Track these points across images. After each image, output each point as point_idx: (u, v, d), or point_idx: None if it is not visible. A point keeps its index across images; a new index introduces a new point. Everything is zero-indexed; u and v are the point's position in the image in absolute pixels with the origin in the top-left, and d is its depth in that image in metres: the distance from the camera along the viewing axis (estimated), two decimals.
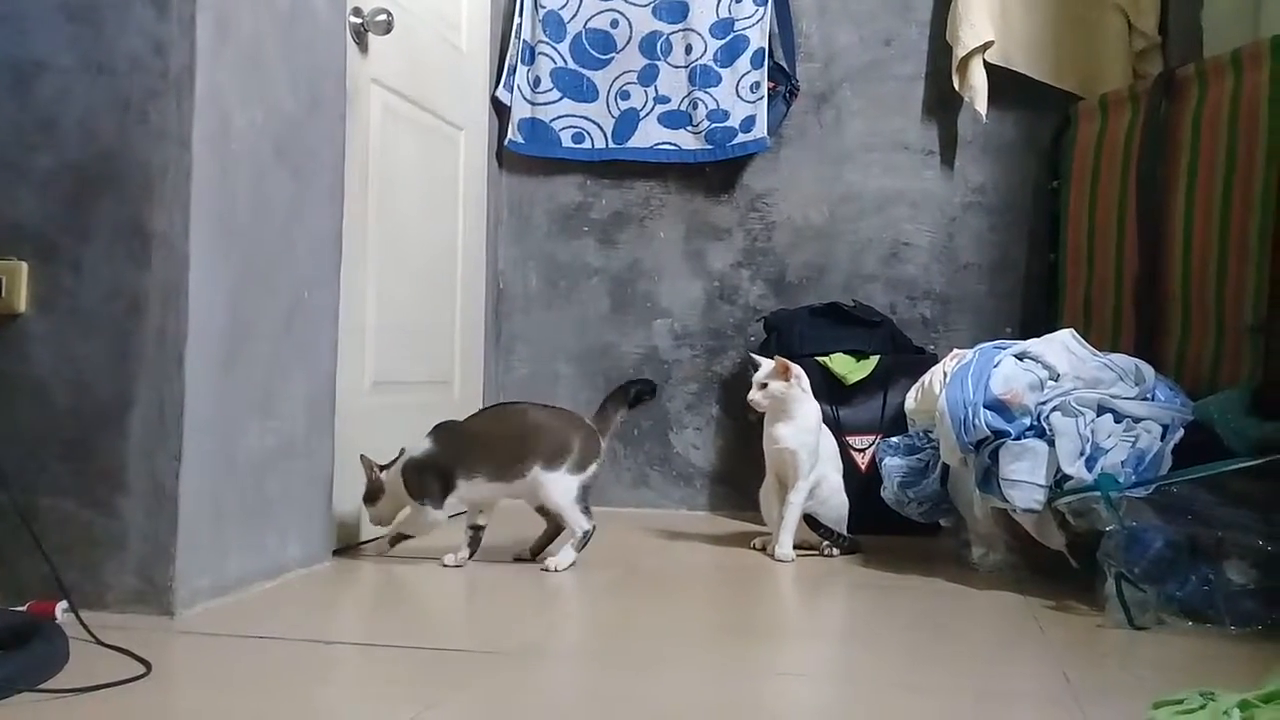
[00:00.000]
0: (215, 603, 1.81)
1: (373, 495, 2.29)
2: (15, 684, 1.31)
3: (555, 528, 2.32)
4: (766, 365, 2.40)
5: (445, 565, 2.23)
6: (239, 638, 1.64)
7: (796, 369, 2.38)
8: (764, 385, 2.37)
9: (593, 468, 2.26)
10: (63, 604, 1.64)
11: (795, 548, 2.37)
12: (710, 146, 3.16)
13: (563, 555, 2.21)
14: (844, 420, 2.74)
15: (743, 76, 3.12)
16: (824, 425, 2.46)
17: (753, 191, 3.21)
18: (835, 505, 2.45)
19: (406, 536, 2.32)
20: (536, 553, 2.34)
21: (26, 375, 1.76)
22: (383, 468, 2.29)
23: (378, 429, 2.43)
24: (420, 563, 2.27)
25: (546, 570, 2.18)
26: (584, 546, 2.23)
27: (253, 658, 1.55)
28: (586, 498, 2.25)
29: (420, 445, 2.29)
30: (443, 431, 2.30)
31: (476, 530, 2.29)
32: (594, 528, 2.24)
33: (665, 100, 3.18)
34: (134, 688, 1.36)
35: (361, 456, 2.28)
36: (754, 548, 2.48)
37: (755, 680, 1.52)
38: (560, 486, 2.22)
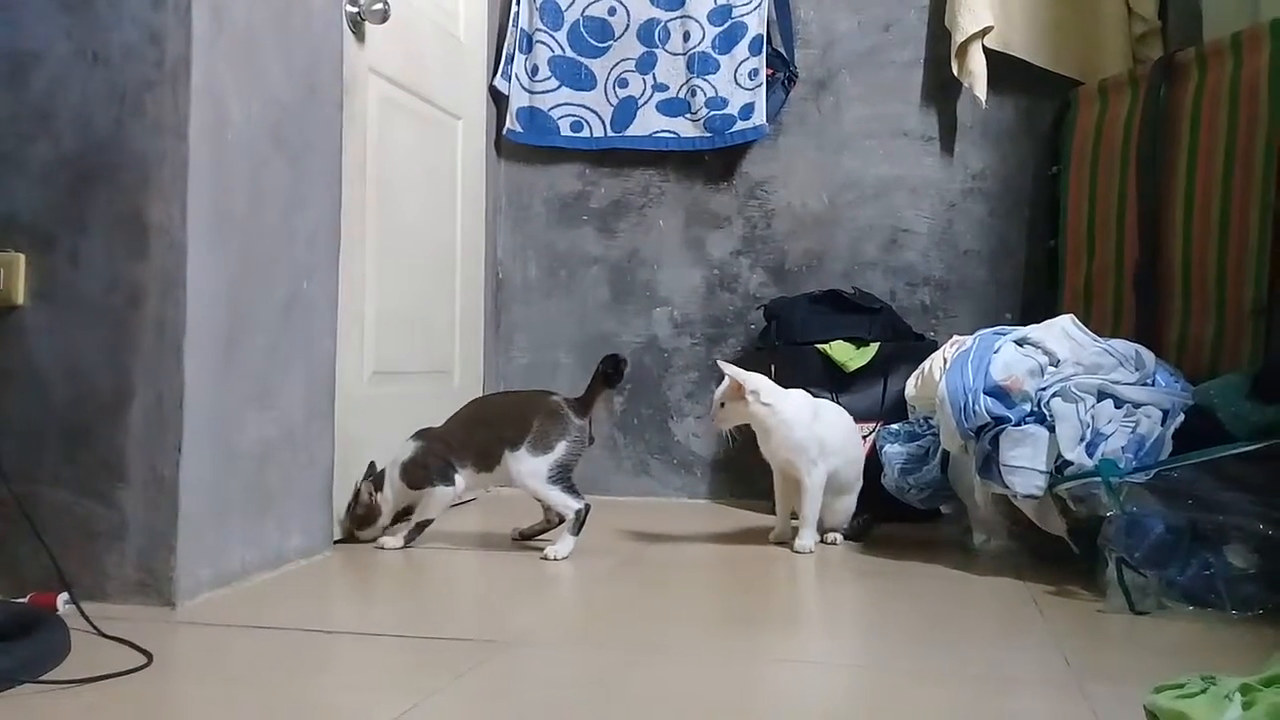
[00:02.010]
0: (216, 593, 1.81)
1: (369, 519, 2.30)
2: (17, 675, 1.31)
3: (550, 517, 2.33)
4: (725, 383, 2.30)
5: (384, 548, 2.28)
6: (240, 628, 1.65)
7: (752, 384, 2.27)
8: (722, 405, 2.30)
9: (561, 445, 2.22)
10: (64, 595, 1.65)
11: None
12: (709, 134, 3.15)
13: (561, 544, 2.21)
14: (844, 407, 2.73)
15: (741, 63, 3.11)
16: (832, 413, 2.39)
17: (752, 179, 3.20)
18: (841, 500, 2.40)
19: (426, 524, 2.31)
20: (527, 536, 2.37)
21: (25, 367, 1.76)
22: (375, 489, 2.31)
23: (378, 419, 2.43)
24: (419, 552, 2.28)
25: (546, 559, 2.18)
26: (580, 529, 2.22)
27: (254, 648, 1.56)
28: (565, 478, 2.22)
29: (407, 447, 2.32)
30: (424, 433, 2.34)
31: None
32: (586, 506, 2.22)
33: (664, 88, 3.18)
34: (135, 678, 1.36)
35: (359, 489, 2.30)
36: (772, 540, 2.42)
37: (755, 667, 1.52)
38: (525, 467, 2.22)
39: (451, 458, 2.28)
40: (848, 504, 2.40)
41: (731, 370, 2.28)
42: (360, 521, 2.30)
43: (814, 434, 2.30)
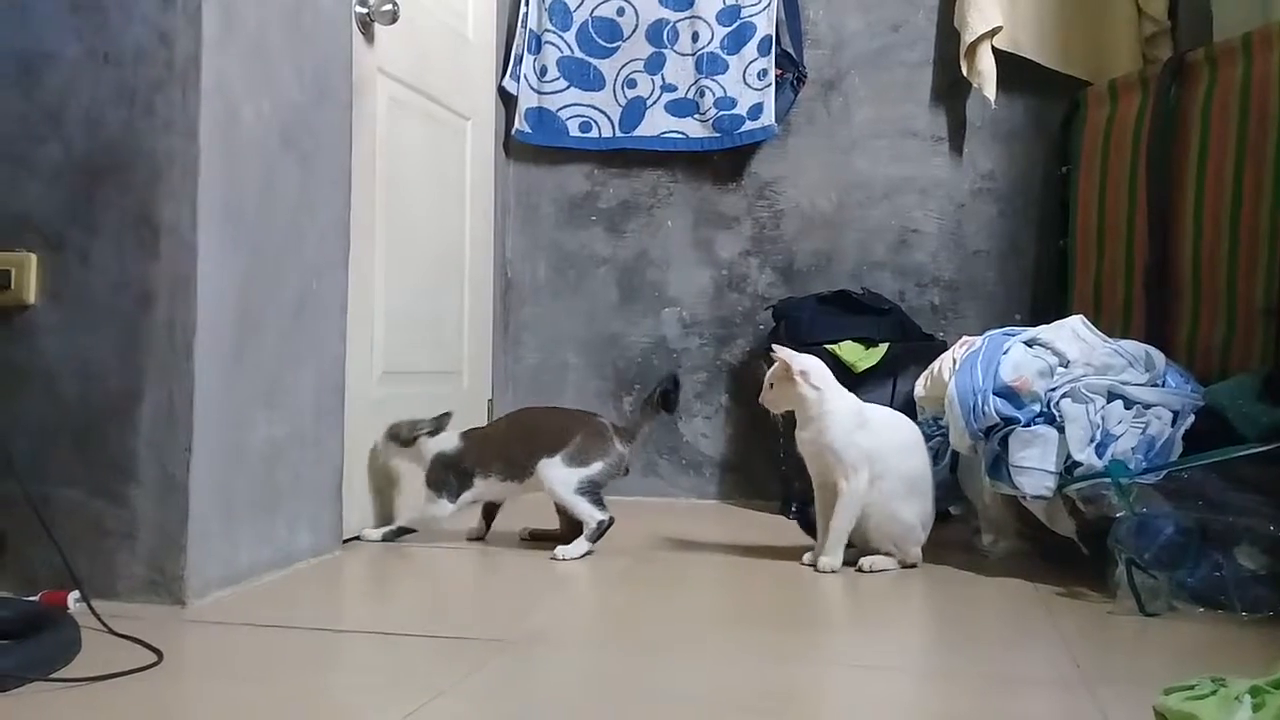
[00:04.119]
0: (226, 592, 1.82)
1: (406, 440, 2.34)
2: (28, 673, 1.31)
3: (567, 527, 2.33)
4: (776, 364, 2.17)
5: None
6: (250, 626, 1.65)
7: (802, 365, 2.14)
8: (771, 385, 2.19)
9: (598, 464, 2.27)
10: (74, 594, 1.65)
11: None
12: (718, 134, 3.15)
13: (574, 547, 2.21)
14: None
15: (750, 64, 3.11)
16: (884, 421, 2.22)
17: (761, 179, 3.20)
18: (880, 518, 2.15)
19: (408, 531, 2.36)
20: (538, 537, 2.38)
21: (36, 366, 1.77)
22: (430, 433, 2.36)
23: (387, 419, 2.44)
24: (429, 550, 2.28)
25: (555, 559, 2.18)
26: (599, 538, 2.24)
27: (263, 647, 1.56)
28: (594, 491, 2.26)
29: (451, 441, 2.36)
30: (470, 434, 2.40)
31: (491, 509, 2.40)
32: (610, 519, 2.25)
33: (672, 88, 3.18)
34: (145, 677, 1.37)
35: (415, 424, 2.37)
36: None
37: (764, 667, 1.52)
38: (557, 475, 2.26)
39: (477, 469, 2.32)
40: (897, 528, 2.15)
41: (784, 351, 2.16)
42: (401, 438, 2.34)
43: (854, 440, 2.13)
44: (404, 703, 1.29)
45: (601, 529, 2.23)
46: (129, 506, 1.74)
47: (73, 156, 1.76)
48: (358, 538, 2.32)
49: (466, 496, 2.33)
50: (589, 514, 2.24)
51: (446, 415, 2.40)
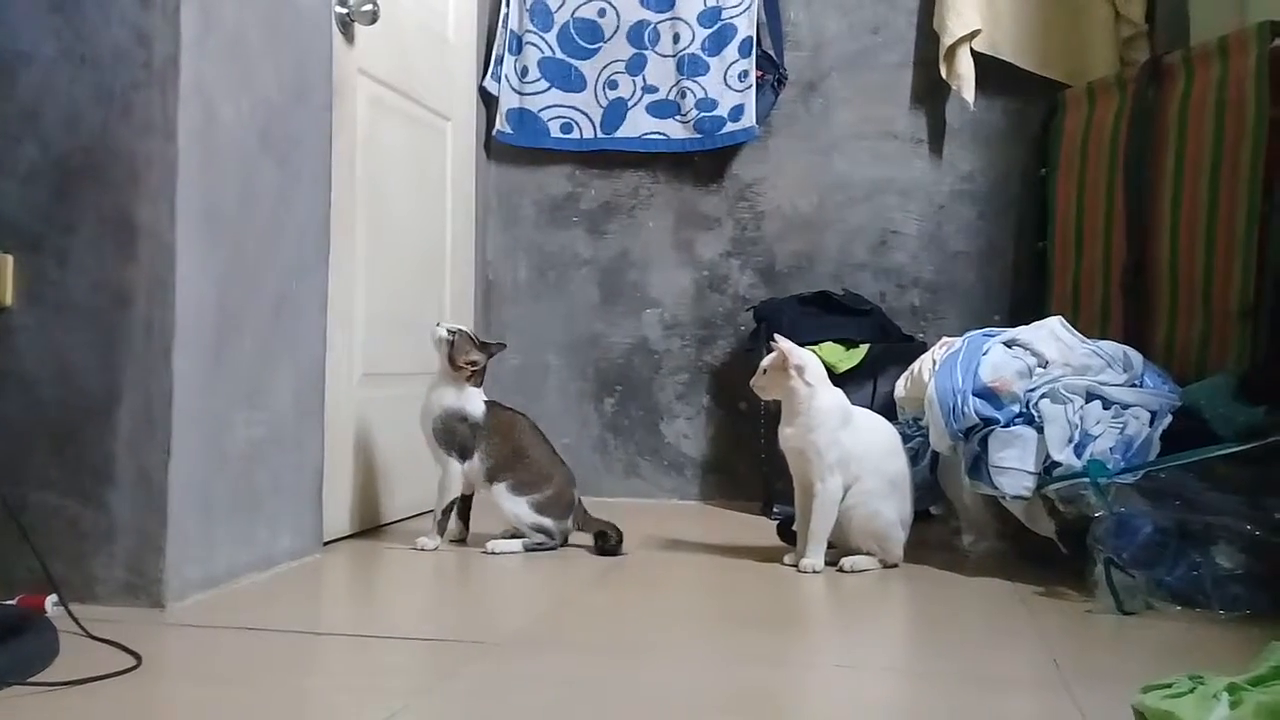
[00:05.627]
0: (205, 595, 1.81)
1: (457, 364, 2.32)
2: (5, 677, 1.30)
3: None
4: (774, 353, 2.19)
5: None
6: (229, 629, 1.64)
7: (798, 358, 2.15)
8: (764, 371, 2.21)
9: (549, 520, 2.32)
10: (52, 597, 1.64)
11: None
12: (699, 136, 3.16)
13: (509, 543, 2.29)
14: None
15: (731, 65, 3.12)
16: (866, 422, 2.23)
17: (742, 181, 3.21)
18: (862, 518, 2.15)
19: (449, 509, 2.35)
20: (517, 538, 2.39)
21: (13, 368, 1.75)
22: (489, 354, 2.38)
23: (368, 420, 2.43)
24: (409, 553, 2.27)
25: (485, 552, 2.26)
26: (531, 550, 2.30)
27: (243, 649, 1.55)
28: (544, 530, 2.32)
29: (478, 405, 2.35)
30: (493, 409, 2.38)
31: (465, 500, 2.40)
32: (554, 546, 2.32)
33: (653, 90, 3.18)
34: (124, 680, 1.36)
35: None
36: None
37: (744, 668, 1.52)
38: (516, 509, 2.31)
39: (478, 445, 2.33)
40: (880, 526, 2.14)
41: (784, 343, 2.19)
42: (456, 346, 2.33)
43: (837, 439, 2.14)
44: (384, 705, 1.28)
45: (540, 548, 2.31)
46: (107, 509, 1.73)
47: (50, 157, 1.75)
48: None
49: (469, 464, 2.32)
50: (535, 536, 2.32)
51: (502, 345, 2.45)
